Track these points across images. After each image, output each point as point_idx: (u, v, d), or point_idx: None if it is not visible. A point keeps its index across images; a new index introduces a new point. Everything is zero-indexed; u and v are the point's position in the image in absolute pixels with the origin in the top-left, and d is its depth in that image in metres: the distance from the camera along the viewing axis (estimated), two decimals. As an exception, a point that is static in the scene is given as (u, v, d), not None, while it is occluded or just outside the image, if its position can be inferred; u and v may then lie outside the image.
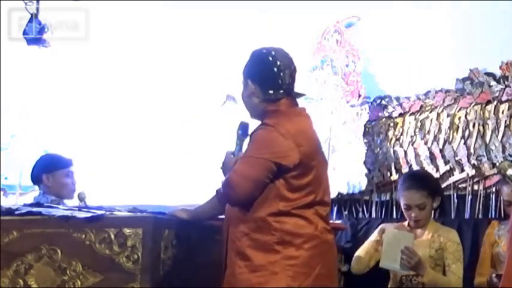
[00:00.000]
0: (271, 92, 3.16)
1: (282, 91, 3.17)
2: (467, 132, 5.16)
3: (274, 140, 3.07)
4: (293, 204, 3.07)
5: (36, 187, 4.53)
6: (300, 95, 3.29)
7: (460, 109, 5.24)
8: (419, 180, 4.03)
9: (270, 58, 3.18)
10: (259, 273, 3.02)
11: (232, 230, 3.14)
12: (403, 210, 4.04)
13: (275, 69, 3.16)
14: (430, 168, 5.26)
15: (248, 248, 3.06)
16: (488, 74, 5.19)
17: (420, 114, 5.43)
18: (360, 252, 4.04)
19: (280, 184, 3.07)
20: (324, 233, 3.13)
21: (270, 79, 3.17)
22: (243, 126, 3.29)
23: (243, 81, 3.24)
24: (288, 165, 3.05)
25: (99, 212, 3.30)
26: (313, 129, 3.24)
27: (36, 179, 4.42)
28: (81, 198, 4.34)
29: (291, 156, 3.05)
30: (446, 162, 5.22)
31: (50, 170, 4.39)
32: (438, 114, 5.33)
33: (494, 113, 5.08)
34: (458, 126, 5.23)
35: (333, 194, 5.46)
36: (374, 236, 4.05)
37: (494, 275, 3.91)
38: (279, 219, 3.05)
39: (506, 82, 5.09)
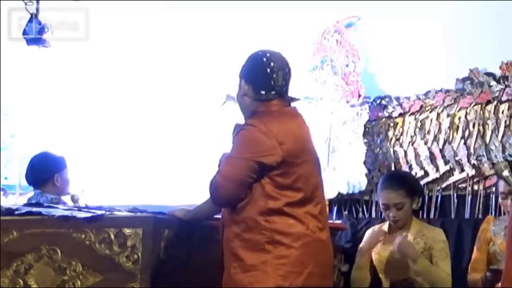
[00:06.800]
0: (263, 92, 3.18)
1: (273, 92, 3.18)
2: (467, 132, 5.16)
3: (255, 139, 3.08)
4: (281, 202, 3.08)
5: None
6: (294, 99, 3.29)
7: (460, 109, 5.25)
8: (397, 180, 3.99)
9: (264, 59, 3.20)
10: (251, 273, 3.04)
11: (226, 231, 3.16)
12: (382, 210, 4.03)
13: (268, 70, 3.18)
14: (430, 168, 5.27)
15: (240, 249, 3.08)
16: (488, 74, 5.19)
17: (420, 114, 5.43)
18: (356, 277, 4.02)
19: (266, 183, 3.08)
20: (316, 232, 3.14)
21: (263, 80, 3.19)
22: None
23: (238, 82, 3.27)
24: (270, 164, 3.06)
25: (99, 212, 3.29)
26: (303, 128, 3.24)
27: (45, 180, 4.37)
28: (74, 200, 4.35)
29: (273, 154, 3.06)
30: (446, 162, 5.22)
31: (60, 169, 4.38)
32: (438, 114, 5.33)
33: (494, 113, 5.08)
34: (458, 126, 5.23)
35: (333, 194, 5.48)
36: (361, 260, 4.02)
37: (488, 273, 3.90)
38: (268, 219, 3.06)
39: (506, 82, 5.10)
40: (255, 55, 3.25)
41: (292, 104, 3.29)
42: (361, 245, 4.05)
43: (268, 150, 3.06)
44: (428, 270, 3.78)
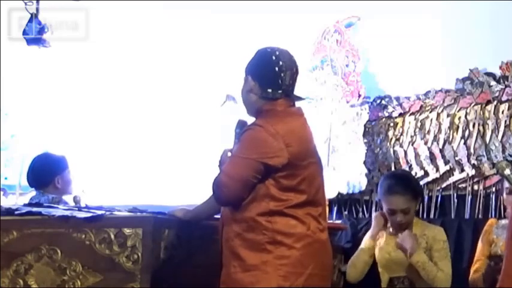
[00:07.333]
0: (269, 90, 3.16)
1: (280, 91, 3.16)
2: (467, 132, 5.16)
3: (263, 140, 3.07)
4: (284, 204, 3.07)
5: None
6: (300, 98, 3.28)
7: (460, 109, 5.25)
8: (403, 183, 3.90)
9: (273, 57, 3.17)
10: (251, 273, 3.03)
11: (226, 230, 3.15)
12: (386, 214, 3.98)
13: (276, 68, 3.15)
14: (430, 168, 5.27)
15: (240, 248, 3.07)
16: (488, 74, 5.19)
17: (420, 114, 5.43)
18: (355, 260, 4.01)
19: (270, 184, 3.07)
20: (317, 233, 3.13)
21: (270, 78, 3.17)
22: (241, 125, 3.28)
23: (244, 77, 3.24)
24: (276, 166, 3.05)
25: (99, 212, 3.29)
26: (306, 129, 3.23)
27: (46, 182, 4.35)
28: (76, 201, 4.35)
29: (279, 156, 3.05)
30: (446, 162, 5.22)
31: (61, 171, 4.37)
32: (438, 114, 5.33)
33: (494, 113, 5.08)
34: (458, 126, 5.23)
35: (333, 194, 5.48)
36: (366, 243, 4.01)
37: (491, 262, 3.90)
38: (270, 219, 3.05)
39: (506, 82, 5.10)
40: (263, 52, 3.22)
41: (297, 104, 3.28)
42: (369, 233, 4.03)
43: (275, 152, 3.05)
44: (423, 266, 3.77)
